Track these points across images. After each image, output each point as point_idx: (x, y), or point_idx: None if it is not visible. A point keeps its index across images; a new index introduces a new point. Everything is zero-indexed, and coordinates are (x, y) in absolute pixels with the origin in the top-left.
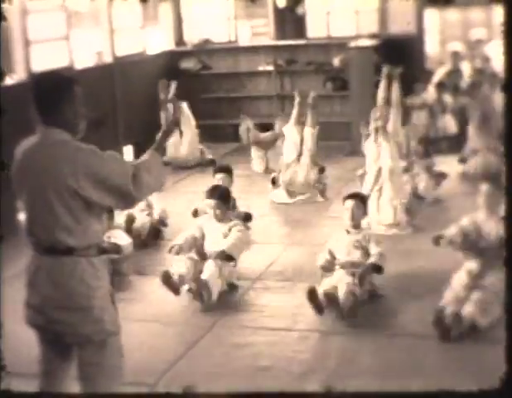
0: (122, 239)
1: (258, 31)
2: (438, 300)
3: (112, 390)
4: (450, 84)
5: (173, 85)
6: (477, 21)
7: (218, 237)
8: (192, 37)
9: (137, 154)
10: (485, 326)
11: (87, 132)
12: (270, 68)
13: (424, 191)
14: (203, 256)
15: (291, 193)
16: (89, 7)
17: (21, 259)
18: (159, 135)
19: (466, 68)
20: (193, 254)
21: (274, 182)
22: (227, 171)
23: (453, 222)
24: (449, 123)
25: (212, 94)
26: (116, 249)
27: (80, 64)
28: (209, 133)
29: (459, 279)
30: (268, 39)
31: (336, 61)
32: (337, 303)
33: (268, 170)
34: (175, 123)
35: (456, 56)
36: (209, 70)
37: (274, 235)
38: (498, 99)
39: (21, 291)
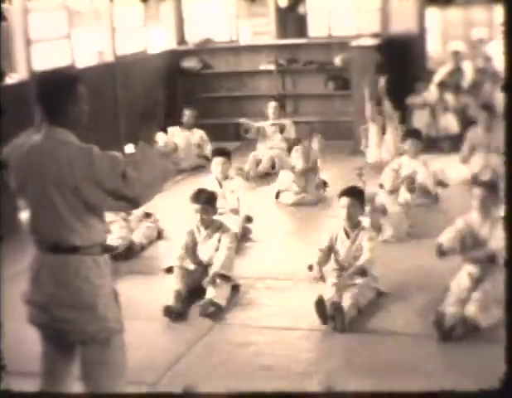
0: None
1: (260, 30)
2: (439, 300)
3: (115, 389)
4: (451, 83)
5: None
6: (479, 20)
7: (209, 247)
8: (193, 36)
9: None
10: (486, 326)
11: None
12: (271, 67)
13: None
14: (199, 263)
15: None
16: (90, 5)
17: (21, 259)
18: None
19: (468, 67)
20: (184, 264)
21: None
22: (225, 154)
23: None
24: (451, 123)
25: (213, 94)
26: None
27: (82, 63)
28: (210, 132)
29: (460, 282)
30: (270, 38)
31: (338, 61)
32: (342, 312)
33: None
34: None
35: (457, 56)
36: (210, 70)
37: (276, 234)
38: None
39: (21, 290)
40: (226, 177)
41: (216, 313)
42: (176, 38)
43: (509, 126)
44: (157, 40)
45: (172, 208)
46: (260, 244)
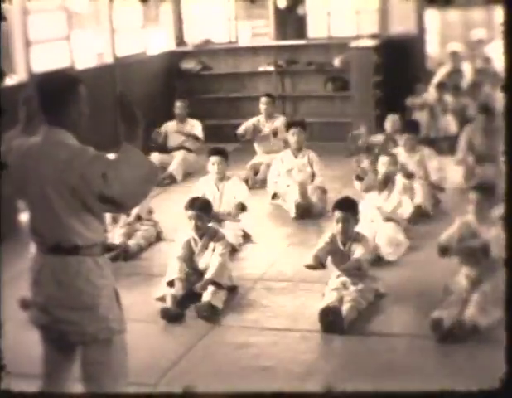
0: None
1: (259, 31)
2: (438, 302)
3: (116, 389)
4: (451, 84)
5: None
6: (478, 21)
7: (206, 258)
8: (193, 38)
9: None
10: (486, 326)
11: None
12: (270, 68)
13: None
14: (196, 271)
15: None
16: (89, 7)
17: (20, 259)
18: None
19: (467, 68)
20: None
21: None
22: (222, 154)
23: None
24: (450, 124)
25: (212, 95)
26: (124, 248)
27: (81, 64)
28: (209, 134)
29: (458, 284)
30: (269, 39)
31: (337, 62)
32: (341, 317)
33: None
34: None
35: (455, 56)
36: (209, 71)
37: (275, 235)
38: (499, 99)
39: (21, 291)
40: (223, 177)
41: (213, 315)
42: (175, 39)
43: (509, 126)
44: (157, 41)
45: (170, 209)
46: (259, 245)
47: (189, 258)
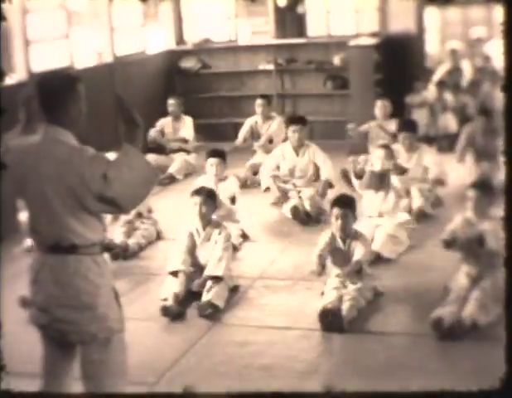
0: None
1: (259, 29)
2: (438, 300)
3: (116, 388)
4: (450, 82)
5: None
6: (477, 19)
7: (207, 250)
8: (192, 36)
9: None
10: (485, 324)
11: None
12: (270, 67)
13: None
14: (197, 266)
15: None
16: (88, 6)
17: (19, 259)
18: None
19: (467, 67)
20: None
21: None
22: (220, 155)
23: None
24: (450, 122)
25: (212, 94)
26: (124, 247)
27: (80, 63)
28: (209, 132)
29: (458, 282)
30: (269, 38)
31: (337, 60)
32: (340, 318)
33: None
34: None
35: (454, 54)
36: (209, 69)
37: (275, 233)
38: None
39: (21, 290)
40: (221, 179)
41: (214, 313)
42: (174, 38)
43: (509, 126)
44: (156, 40)
45: (169, 209)
46: (258, 244)
47: (191, 252)
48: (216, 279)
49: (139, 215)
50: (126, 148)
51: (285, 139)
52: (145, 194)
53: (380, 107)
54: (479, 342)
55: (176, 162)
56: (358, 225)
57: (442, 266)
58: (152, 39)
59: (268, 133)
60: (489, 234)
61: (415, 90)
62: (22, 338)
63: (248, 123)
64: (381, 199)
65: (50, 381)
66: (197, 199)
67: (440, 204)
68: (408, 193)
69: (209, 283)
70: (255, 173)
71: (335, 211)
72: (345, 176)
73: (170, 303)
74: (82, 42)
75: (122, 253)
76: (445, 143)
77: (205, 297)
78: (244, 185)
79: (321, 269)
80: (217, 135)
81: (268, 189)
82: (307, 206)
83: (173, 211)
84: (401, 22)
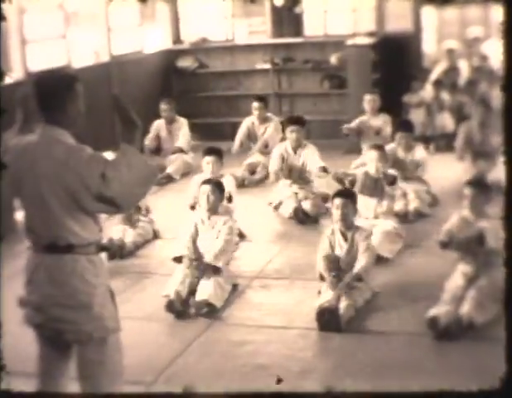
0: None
1: (255, 29)
2: (436, 299)
3: (112, 388)
4: (447, 82)
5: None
6: (474, 19)
7: (210, 237)
8: (189, 36)
9: None
10: (482, 323)
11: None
12: (267, 66)
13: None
14: (199, 255)
15: None
16: (86, 5)
17: (17, 258)
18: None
19: (464, 66)
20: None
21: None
22: (217, 153)
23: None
24: (447, 121)
25: (209, 93)
26: (121, 246)
27: (78, 63)
28: (206, 132)
29: (454, 281)
30: (265, 37)
31: (334, 59)
32: (337, 317)
33: None
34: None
35: (451, 54)
36: (206, 69)
37: (272, 233)
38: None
39: (20, 290)
40: (217, 177)
41: (211, 313)
42: (171, 37)
43: (509, 126)
44: (153, 39)
45: (167, 208)
46: (256, 243)
47: (195, 241)
48: (215, 270)
49: (138, 209)
50: (124, 148)
51: (282, 140)
52: (144, 193)
53: (369, 101)
54: (479, 341)
55: (174, 162)
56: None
57: (439, 265)
58: (149, 38)
59: (264, 137)
60: (488, 232)
61: (412, 90)
62: (22, 338)
63: (244, 125)
64: (376, 203)
65: (46, 382)
66: (205, 188)
67: (436, 203)
68: (404, 195)
69: (209, 283)
70: (252, 173)
71: (336, 201)
72: (339, 180)
73: (173, 299)
74: (79, 42)
75: (118, 251)
76: (442, 142)
77: (202, 295)
78: (241, 184)
79: (329, 272)
80: (214, 134)
81: (276, 175)
82: (306, 206)
83: (170, 210)
84: (398, 22)
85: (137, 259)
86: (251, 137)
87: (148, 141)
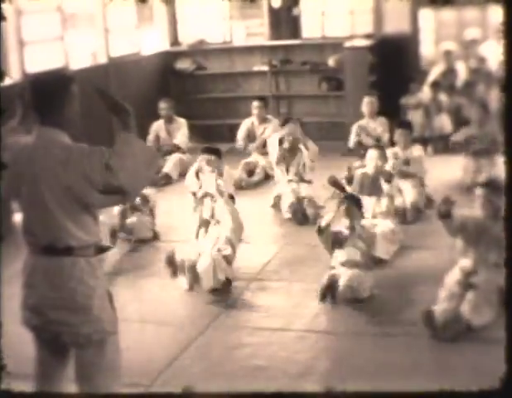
0: None
1: (253, 31)
2: (434, 300)
3: (110, 390)
4: (445, 83)
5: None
6: (472, 20)
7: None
8: (187, 38)
9: None
10: (479, 325)
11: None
12: (265, 68)
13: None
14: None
15: None
16: (83, 7)
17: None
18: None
19: (461, 68)
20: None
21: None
22: (215, 152)
23: None
24: (445, 123)
25: (207, 95)
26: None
27: (75, 64)
28: (204, 134)
29: (452, 276)
30: (263, 39)
31: (331, 61)
32: (335, 290)
33: None
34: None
35: (448, 55)
36: (204, 71)
37: (270, 234)
38: (493, 98)
39: (18, 292)
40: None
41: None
42: (169, 39)
43: (509, 126)
44: (151, 41)
45: (166, 210)
46: (254, 245)
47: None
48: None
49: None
50: (123, 136)
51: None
52: (149, 177)
53: (367, 103)
54: (478, 342)
55: (171, 162)
56: None
57: (438, 266)
58: (147, 40)
59: (263, 137)
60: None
61: (410, 92)
62: (22, 338)
63: (244, 125)
64: (374, 203)
65: (44, 383)
66: (205, 155)
67: (431, 205)
68: (399, 191)
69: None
70: (250, 174)
71: (341, 202)
72: (335, 183)
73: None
74: (77, 43)
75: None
76: (440, 144)
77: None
78: (239, 186)
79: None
80: (212, 136)
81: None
82: (305, 206)
83: (169, 211)
84: (395, 24)
85: (135, 261)
86: (250, 137)
87: (148, 143)
